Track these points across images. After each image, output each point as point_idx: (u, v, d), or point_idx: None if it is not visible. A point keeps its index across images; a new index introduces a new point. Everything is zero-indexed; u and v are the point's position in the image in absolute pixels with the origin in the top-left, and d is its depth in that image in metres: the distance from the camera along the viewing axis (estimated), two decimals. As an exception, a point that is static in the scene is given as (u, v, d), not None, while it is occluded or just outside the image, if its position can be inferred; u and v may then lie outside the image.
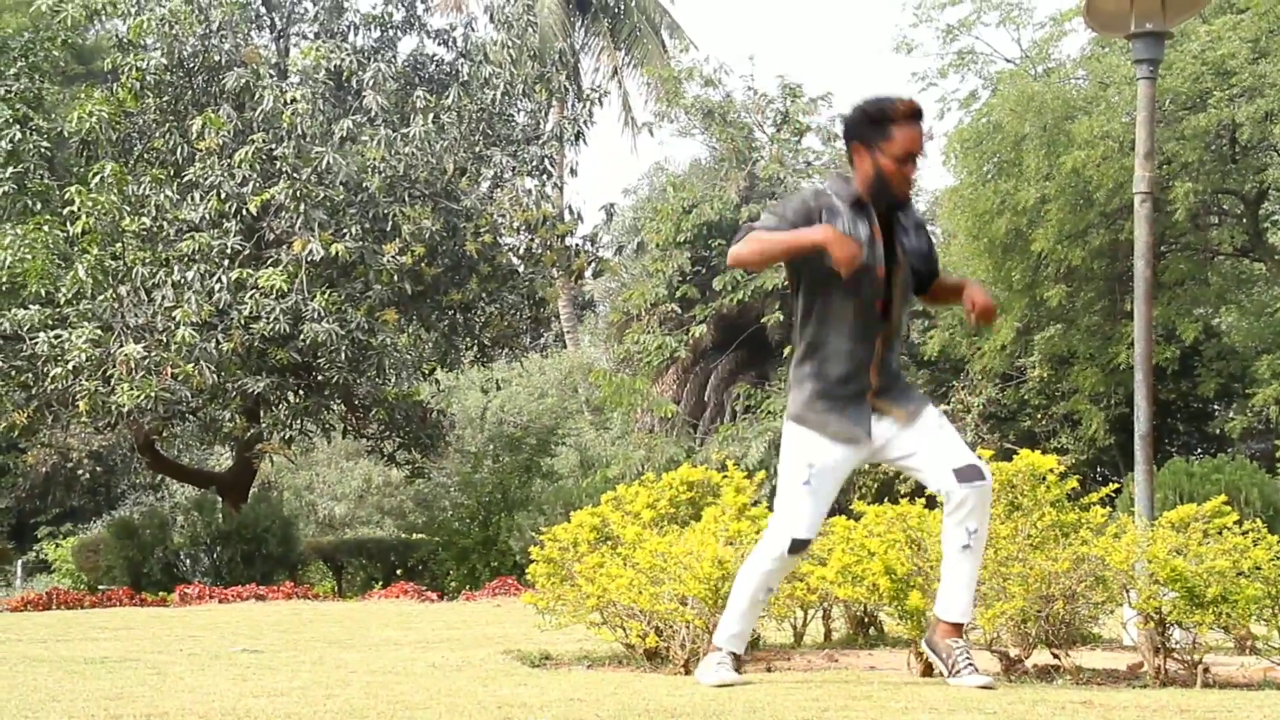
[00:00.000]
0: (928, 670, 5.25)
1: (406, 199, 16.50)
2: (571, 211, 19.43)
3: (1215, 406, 21.41)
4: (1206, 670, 4.97)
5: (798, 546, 4.68)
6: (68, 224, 15.47)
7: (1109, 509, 5.49)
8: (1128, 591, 5.10)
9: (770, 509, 6.30)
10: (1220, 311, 19.39)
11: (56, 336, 15.18)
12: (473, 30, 18.82)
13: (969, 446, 4.68)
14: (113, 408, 15.18)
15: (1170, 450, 20.68)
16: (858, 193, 4.69)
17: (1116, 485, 7.70)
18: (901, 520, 5.61)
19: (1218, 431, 20.21)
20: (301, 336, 15.53)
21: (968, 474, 4.61)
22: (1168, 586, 4.89)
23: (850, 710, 4.03)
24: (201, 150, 15.73)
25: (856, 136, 4.70)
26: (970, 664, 4.69)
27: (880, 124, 4.65)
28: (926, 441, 4.70)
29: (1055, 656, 5.19)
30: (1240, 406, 18.76)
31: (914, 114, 4.67)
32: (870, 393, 4.70)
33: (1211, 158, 17.18)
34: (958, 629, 4.74)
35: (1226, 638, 5.78)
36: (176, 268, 15.39)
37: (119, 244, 15.66)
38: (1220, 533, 5.13)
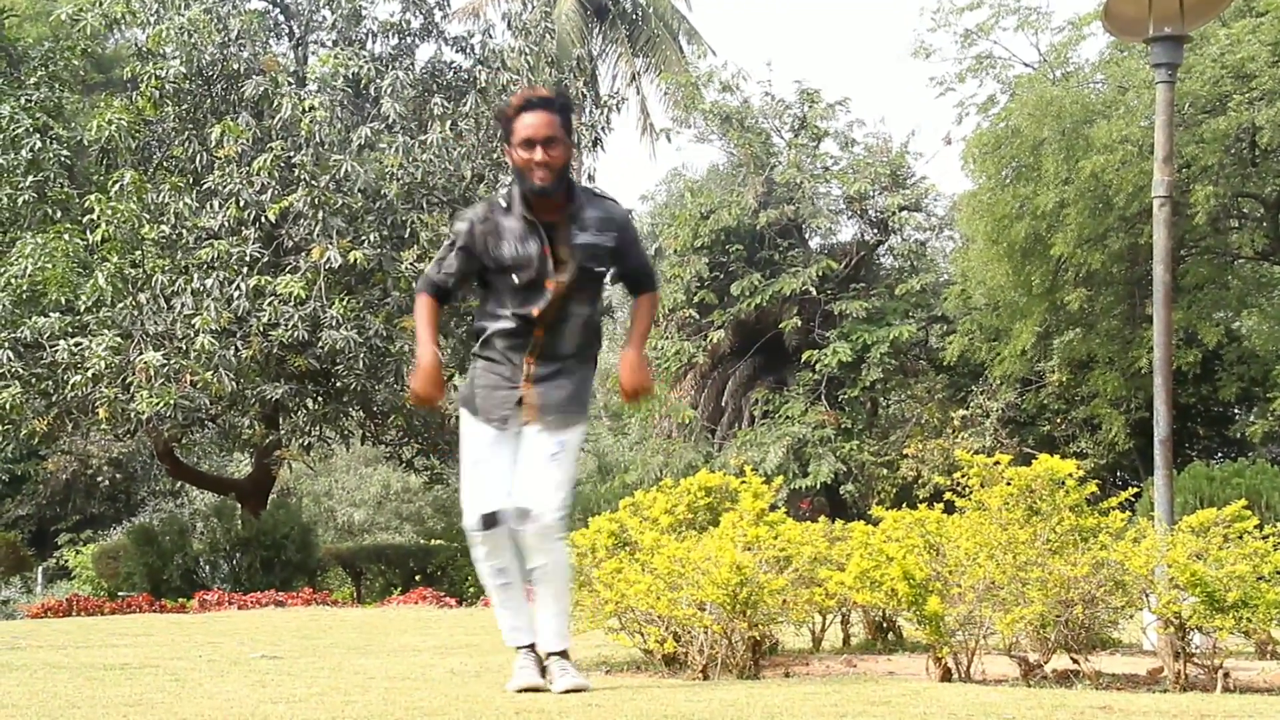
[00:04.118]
0: (946, 675, 5.24)
1: (424, 206, 16.53)
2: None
3: (1236, 410, 21.32)
4: (1227, 675, 4.95)
5: (489, 520, 4.78)
6: (87, 232, 15.53)
7: (1128, 513, 5.45)
8: (1147, 596, 5.07)
9: (788, 514, 6.31)
10: (1241, 315, 19.30)
11: (77, 344, 15.24)
12: (490, 37, 18.81)
13: (988, 451, 4.67)
14: (132, 415, 15.23)
15: (1190, 454, 20.59)
16: (518, 202, 4.81)
17: (1136, 490, 7.65)
18: (920, 525, 5.59)
19: (1238, 436, 20.12)
20: (320, 343, 15.57)
21: (530, 516, 4.73)
22: (1188, 591, 4.87)
23: (869, 715, 4.02)
24: (220, 158, 15.78)
25: (503, 141, 4.88)
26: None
27: (506, 122, 4.80)
28: (528, 462, 4.82)
29: (1074, 661, 5.17)
30: (1261, 410, 18.68)
31: (529, 104, 4.77)
32: (524, 379, 4.83)
33: (1231, 161, 17.12)
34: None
35: (1247, 643, 5.76)
36: (196, 275, 15.45)
37: (138, 252, 15.72)
38: (1240, 537, 5.10)
